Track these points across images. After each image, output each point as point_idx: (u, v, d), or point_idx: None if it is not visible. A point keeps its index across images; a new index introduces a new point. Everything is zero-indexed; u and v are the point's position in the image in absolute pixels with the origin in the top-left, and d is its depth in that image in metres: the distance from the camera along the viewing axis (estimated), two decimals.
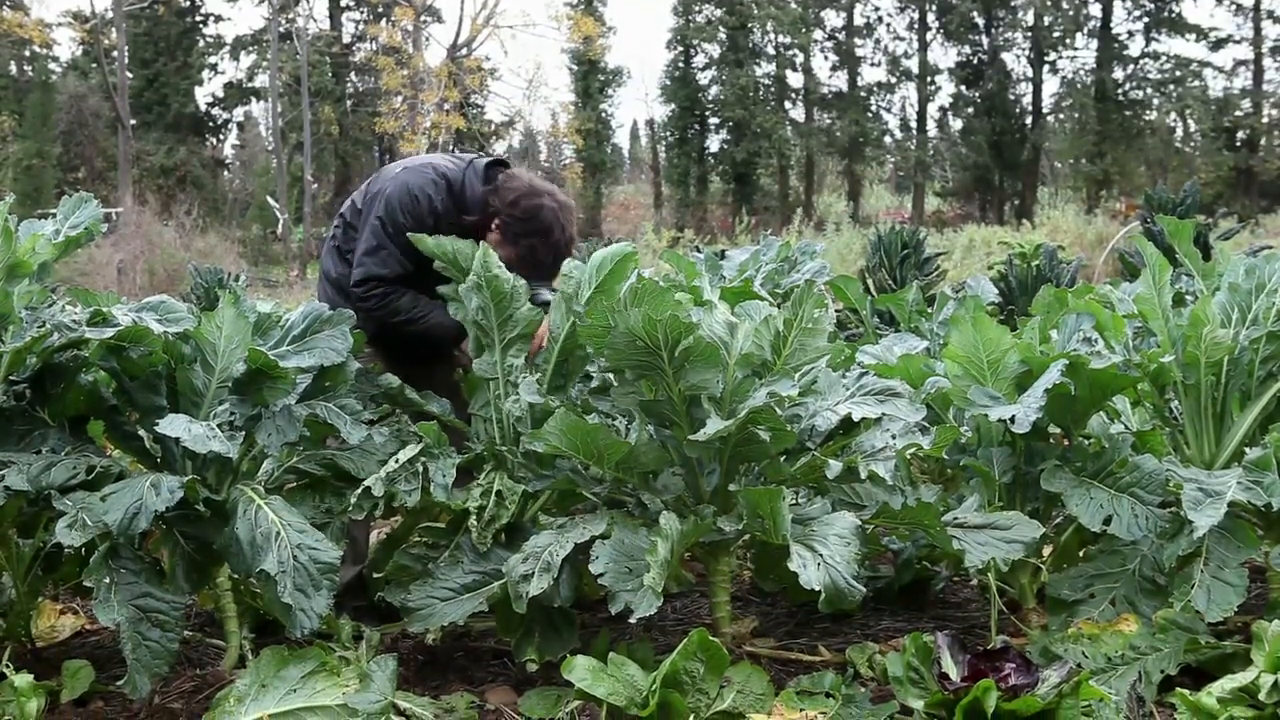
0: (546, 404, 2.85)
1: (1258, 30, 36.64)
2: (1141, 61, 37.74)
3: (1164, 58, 37.41)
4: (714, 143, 40.91)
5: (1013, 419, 2.85)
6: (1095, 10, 37.62)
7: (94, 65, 36.99)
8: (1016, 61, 39.39)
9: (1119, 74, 37.53)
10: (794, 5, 39.37)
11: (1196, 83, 36.77)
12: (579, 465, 2.89)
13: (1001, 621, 2.98)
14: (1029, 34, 38.52)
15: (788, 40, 39.78)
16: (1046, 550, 3.15)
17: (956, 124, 40.79)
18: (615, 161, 46.62)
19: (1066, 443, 3.12)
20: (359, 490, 2.83)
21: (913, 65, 40.15)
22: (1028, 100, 39.38)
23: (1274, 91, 37.02)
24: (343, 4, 42.18)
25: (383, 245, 3.44)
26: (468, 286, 3.07)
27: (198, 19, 42.01)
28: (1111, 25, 37.46)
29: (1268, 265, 3.06)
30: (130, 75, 37.07)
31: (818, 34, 40.78)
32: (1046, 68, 38.66)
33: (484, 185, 3.52)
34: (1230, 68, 37.57)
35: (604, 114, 40.39)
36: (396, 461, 2.88)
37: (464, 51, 37.33)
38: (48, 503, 2.60)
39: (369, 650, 2.75)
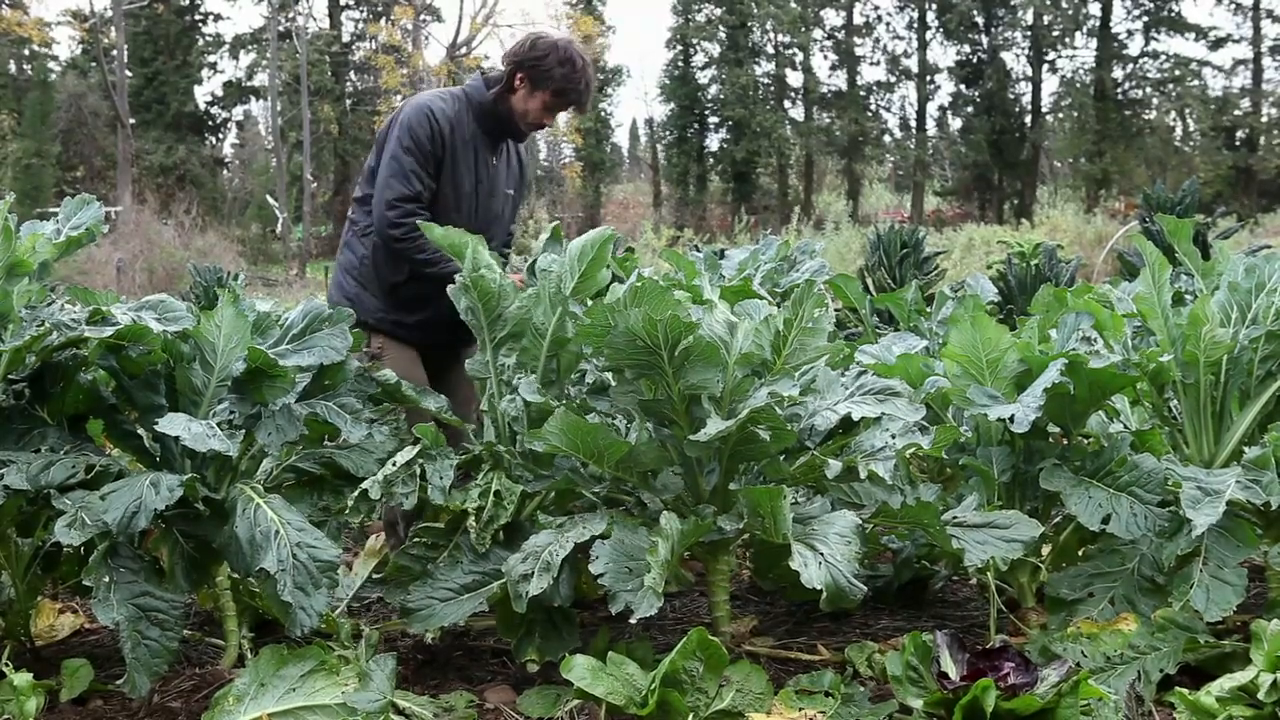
0: (545, 403, 2.84)
1: (1257, 29, 36.68)
2: (1141, 61, 37.78)
3: (1163, 57, 37.46)
4: (713, 142, 40.96)
5: (1012, 418, 2.85)
6: (1095, 9, 37.67)
7: (93, 64, 37.00)
8: (1016, 60, 39.45)
9: (1118, 73, 37.58)
10: (794, 4, 39.40)
11: (1196, 82, 36.83)
12: (578, 464, 2.89)
13: (1000, 620, 2.98)
14: (1028, 33, 38.55)
15: (787, 39, 39.82)
16: (1046, 549, 3.15)
17: (956, 123, 40.85)
18: (614, 160, 46.66)
19: (1065, 442, 3.12)
20: (356, 493, 2.83)
21: (912, 64, 40.19)
22: (1027, 99, 39.43)
23: (1273, 90, 37.06)
24: (342, 3, 42.17)
25: (401, 162, 3.56)
26: (456, 288, 3.07)
27: (197, 18, 42.00)
28: (1111, 24, 37.49)
29: (1267, 264, 3.06)
30: (129, 74, 37.06)
31: (817, 33, 40.82)
32: (1046, 67, 38.70)
33: (488, 88, 3.72)
34: (1229, 67, 37.64)
35: (603, 113, 40.41)
36: (394, 464, 2.87)
37: (463, 50, 37.33)
38: (47, 501, 2.60)
39: (368, 649, 2.75)
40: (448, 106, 3.63)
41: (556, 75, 3.62)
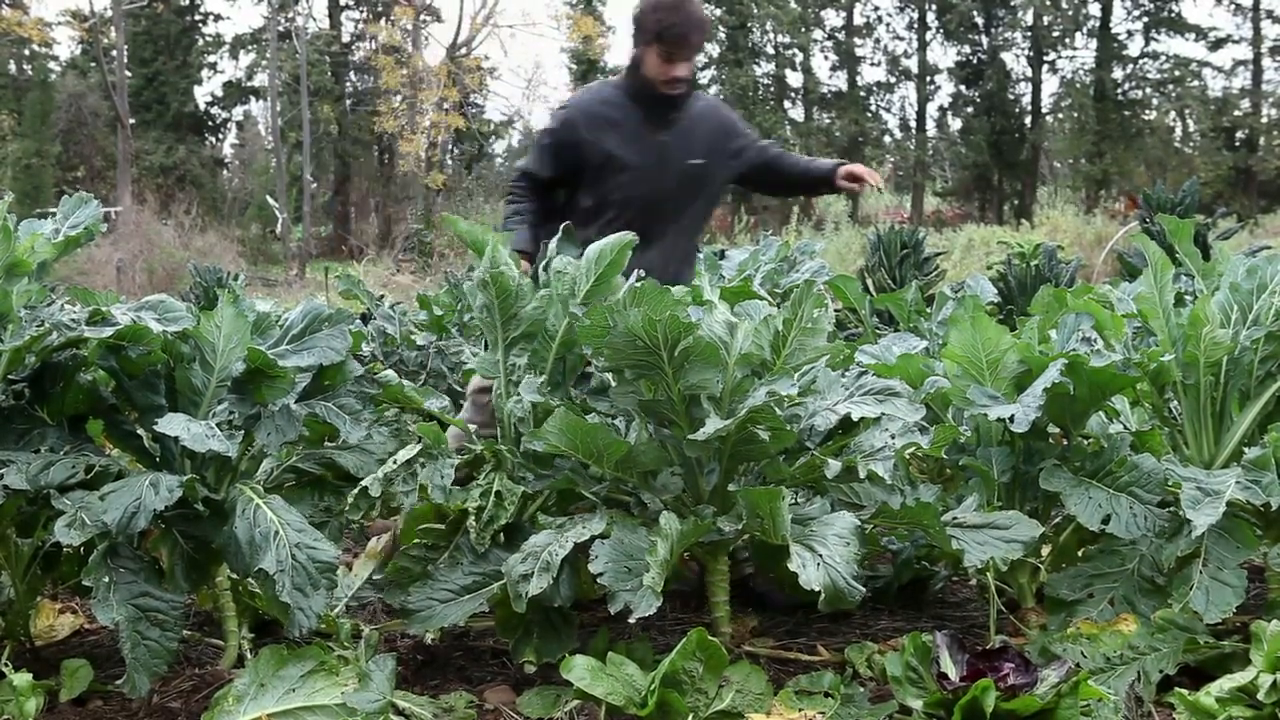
0: (546, 403, 2.85)
1: (1257, 30, 36.67)
2: (1141, 61, 37.77)
3: (1163, 57, 37.44)
4: None
5: (1011, 418, 2.84)
6: (1095, 10, 37.66)
7: (93, 64, 37.00)
8: (1016, 61, 39.44)
9: (1118, 74, 37.56)
10: (793, 5, 39.39)
11: (1196, 82, 36.82)
12: (578, 465, 2.89)
13: (1000, 621, 2.98)
14: (1028, 33, 38.54)
15: (787, 40, 39.81)
16: (1045, 550, 3.15)
17: (956, 124, 40.82)
18: None
19: (1065, 442, 3.12)
20: (355, 490, 2.83)
21: (912, 65, 40.18)
22: (1027, 100, 39.41)
23: (1273, 91, 37.06)
24: (342, 3, 42.15)
25: (532, 147, 4.00)
26: (473, 284, 3.07)
27: (197, 18, 41.98)
28: (1111, 25, 37.48)
29: (1268, 265, 3.05)
30: (129, 74, 37.04)
31: (817, 33, 40.80)
32: (1046, 67, 38.69)
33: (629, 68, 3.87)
34: (1229, 67, 37.62)
35: None
36: (395, 462, 2.87)
37: (463, 50, 37.30)
38: (47, 502, 2.59)
39: (368, 649, 2.75)
40: (591, 94, 3.88)
41: (652, 24, 3.63)
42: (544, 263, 3.16)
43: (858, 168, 3.86)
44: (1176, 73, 36.88)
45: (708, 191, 3.89)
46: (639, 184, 3.72)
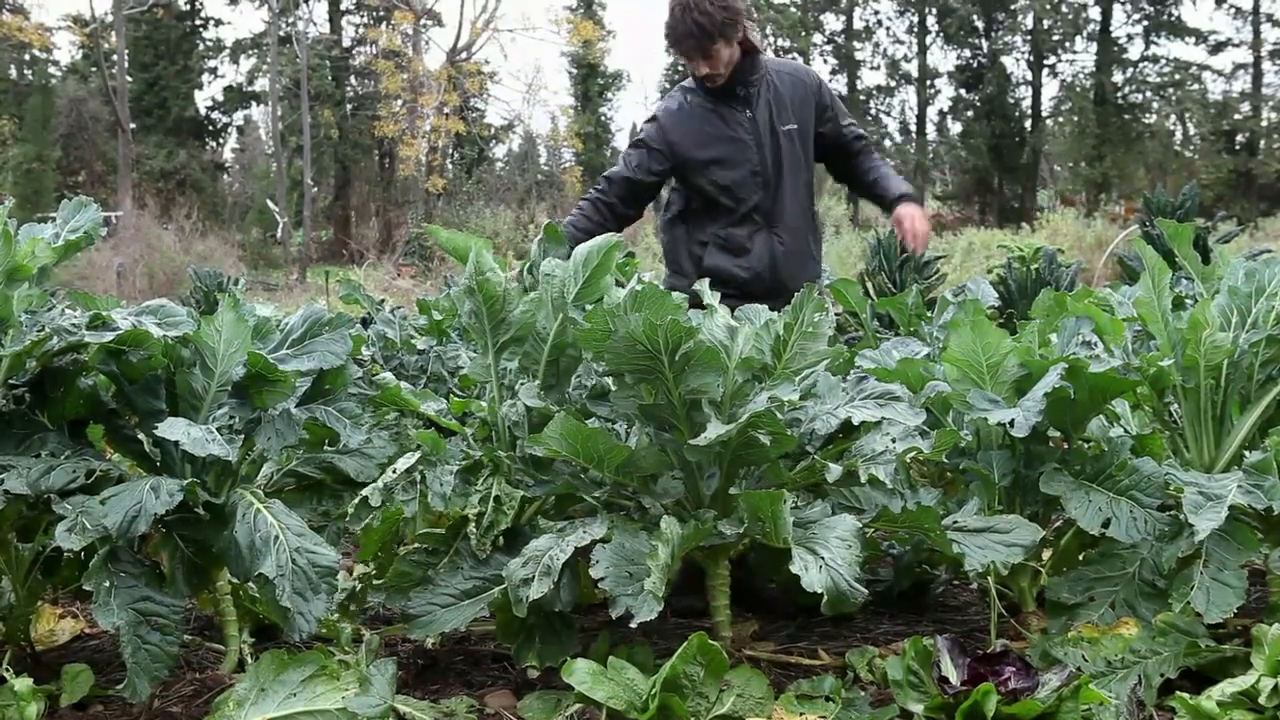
0: (545, 408, 2.84)
1: (1257, 34, 36.73)
2: (1141, 65, 37.84)
3: (1163, 61, 37.52)
4: None
5: (1012, 423, 2.84)
6: (1094, 13, 37.74)
7: (94, 69, 37.06)
8: (1016, 65, 39.51)
9: (1118, 77, 37.62)
10: (793, 9, 39.45)
11: (1196, 86, 36.89)
12: (578, 469, 2.89)
13: (1001, 625, 2.98)
14: (1028, 37, 38.61)
15: (787, 43, 39.84)
16: (1046, 554, 3.14)
17: (956, 127, 40.89)
18: (614, 164, 46.65)
19: (1066, 446, 3.12)
20: (357, 500, 2.83)
21: (912, 69, 40.26)
22: (1027, 103, 39.47)
23: (1273, 95, 37.12)
24: (343, 8, 42.22)
25: (622, 155, 4.01)
26: (460, 290, 3.07)
27: (198, 23, 42.06)
28: (1111, 28, 37.55)
29: (1267, 269, 3.05)
30: (130, 79, 37.09)
31: (817, 37, 40.88)
32: (1046, 71, 38.76)
33: None
34: (1229, 71, 37.71)
35: (603, 117, 40.46)
36: (395, 471, 2.88)
37: (464, 55, 37.37)
38: (47, 506, 2.59)
39: (368, 654, 2.74)
40: (673, 100, 3.94)
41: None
42: (527, 266, 3.17)
43: (915, 221, 3.86)
44: (1176, 76, 36.94)
45: (807, 155, 3.99)
46: (740, 165, 3.81)
